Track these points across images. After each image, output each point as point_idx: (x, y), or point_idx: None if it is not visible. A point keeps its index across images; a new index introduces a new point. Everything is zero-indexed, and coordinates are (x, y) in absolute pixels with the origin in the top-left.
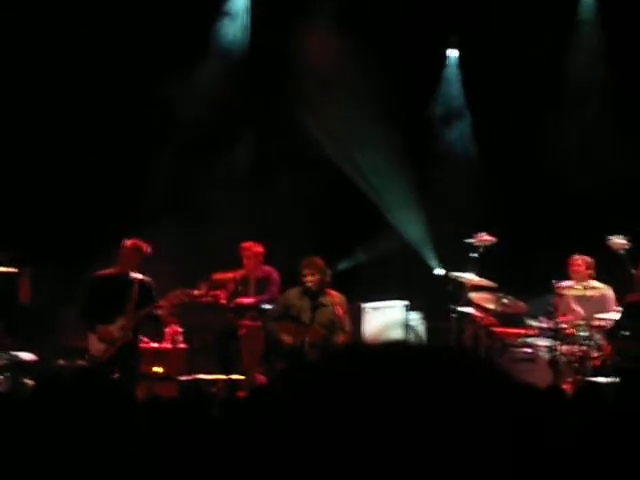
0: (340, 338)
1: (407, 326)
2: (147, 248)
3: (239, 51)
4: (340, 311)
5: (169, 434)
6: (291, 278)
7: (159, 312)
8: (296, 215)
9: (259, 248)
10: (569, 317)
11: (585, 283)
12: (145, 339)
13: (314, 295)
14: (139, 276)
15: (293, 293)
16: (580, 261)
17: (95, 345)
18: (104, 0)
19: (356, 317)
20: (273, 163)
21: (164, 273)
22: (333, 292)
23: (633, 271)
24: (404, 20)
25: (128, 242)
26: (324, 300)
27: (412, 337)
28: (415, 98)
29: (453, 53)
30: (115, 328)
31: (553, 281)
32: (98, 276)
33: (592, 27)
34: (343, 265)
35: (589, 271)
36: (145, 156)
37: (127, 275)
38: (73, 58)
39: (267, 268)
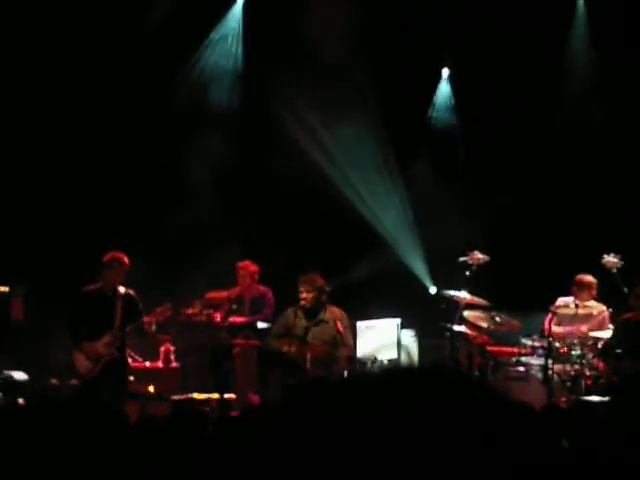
0: (342, 353)
1: (400, 344)
2: (127, 259)
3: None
4: (340, 326)
5: (161, 454)
6: (287, 296)
7: (145, 328)
8: (291, 233)
9: (254, 267)
10: (562, 330)
11: (580, 302)
12: (138, 358)
13: (310, 312)
14: (124, 290)
15: (289, 311)
16: (594, 283)
17: (81, 362)
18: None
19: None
20: (269, 181)
21: (159, 291)
22: (334, 308)
23: (625, 289)
24: (398, 39)
25: (108, 256)
26: (324, 316)
27: (405, 355)
28: (409, 116)
29: (445, 72)
30: (101, 345)
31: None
32: (86, 291)
33: (584, 47)
34: (337, 283)
35: (595, 291)
36: (139, 173)
37: (113, 289)
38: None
39: (262, 288)
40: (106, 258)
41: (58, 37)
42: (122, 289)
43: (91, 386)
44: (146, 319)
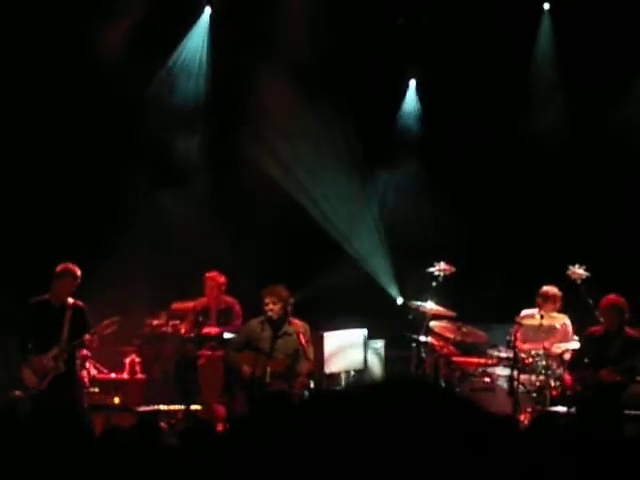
0: (304, 367)
1: (367, 355)
2: (79, 272)
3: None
4: (303, 339)
5: (127, 465)
6: (252, 307)
7: (86, 344)
8: (257, 245)
9: (222, 278)
10: (528, 345)
11: (545, 313)
12: (103, 369)
13: (276, 324)
14: (72, 301)
15: (254, 323)
16: (559, 296)
17: (29, 377)
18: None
19: (316, 345)
20: (234, 192)
21: (125, 301)
22: (296, 321)
23: (590, 301)
24: (363, 50)
25: (60, 267)
26: (287, 329)
27: (372, 366)
28: (377, 126)
29: (412, 83)
30: (48, 358)
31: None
32: (33, 303)
33: (549, 60)
34: (303, 294)
35: (559, 304)
36: (107, 184)
37: (61, 301)
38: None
39: (229, 299)
40: (58, 269)
41: (23, 44)
42: (71, 300)
43: (41, 401)
44: (87, 336)
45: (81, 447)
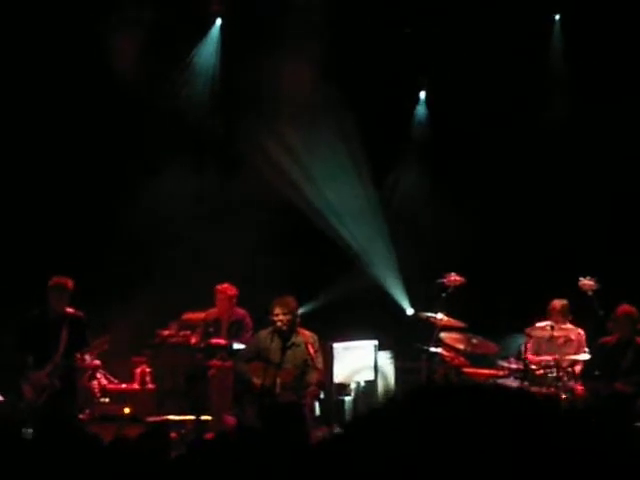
0: (313, 377)
1: (377, 366)
2: (71, 283)
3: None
4: (312, 350)
5: (133, 475)
6: (260, 318)
7: (80, 361)
8: (267, 255)
9: (233, 290)
10: (539, 357)
11: (556, 324)
12: (114, 379)
13: (285, 335)
14: (71, 311)
15: (263, 334)
16: (559, 308)
17: (28, 391)
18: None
19: (326, 357)
20: (242, 201)
21: (134, 313)
22: (305, 331)
23: (601, 312)
24: (375, 61)
25: (52, 280)
26: (296, 340)
27: (382, 377)
28: (385, 135)
29: (422, 93)
30: (44, 374)
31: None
32: (30, 316)
33: (560, 70)
34: (312, 305)
35: (566, 314)
36: (116, 188)
37: (59, 312)
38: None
39: (241, 311)
40: (50, 282)
41: (33, 63)
42: (70, 310)
43: (39, 414)
44: (79, 355)
45: (85, 458)
